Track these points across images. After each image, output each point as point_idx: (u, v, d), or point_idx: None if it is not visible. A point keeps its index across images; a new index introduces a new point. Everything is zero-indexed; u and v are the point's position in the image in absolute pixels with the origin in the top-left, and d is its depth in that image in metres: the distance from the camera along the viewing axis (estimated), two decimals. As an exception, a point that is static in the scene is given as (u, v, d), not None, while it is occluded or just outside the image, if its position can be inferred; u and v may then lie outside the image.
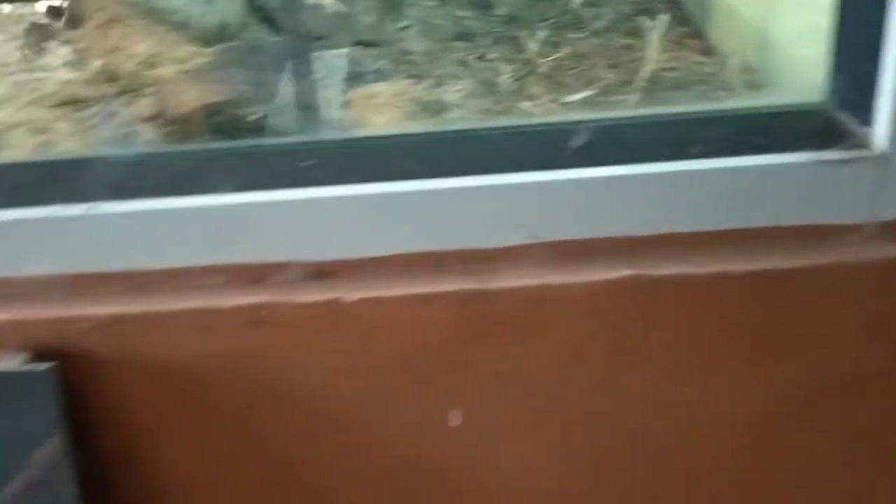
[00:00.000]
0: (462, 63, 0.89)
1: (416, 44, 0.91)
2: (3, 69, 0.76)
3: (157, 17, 0.77)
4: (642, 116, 0.59)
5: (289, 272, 0.53)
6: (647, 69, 0.85)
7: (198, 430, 0.55)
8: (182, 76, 0.70)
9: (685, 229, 0.53)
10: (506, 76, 0.88)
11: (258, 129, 0.61)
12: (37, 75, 0.75)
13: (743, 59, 0.96)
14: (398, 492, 0.58)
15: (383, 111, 0.74)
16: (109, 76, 0.73)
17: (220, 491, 0.57)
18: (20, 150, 0.64)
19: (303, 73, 0.75)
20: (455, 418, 0.56)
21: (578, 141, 0.54)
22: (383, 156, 0.55)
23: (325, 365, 0.54)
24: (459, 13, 1.00)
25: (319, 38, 0.86)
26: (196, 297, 0.52)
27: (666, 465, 0.58)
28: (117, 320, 0.52)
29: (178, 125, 0.63)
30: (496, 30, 0.98)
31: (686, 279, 0.53)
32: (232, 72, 0.69)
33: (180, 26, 0.78)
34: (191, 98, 0.64)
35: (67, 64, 0.77)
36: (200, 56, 0.75)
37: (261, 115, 0.60)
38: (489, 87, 0.87)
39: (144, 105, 0.67)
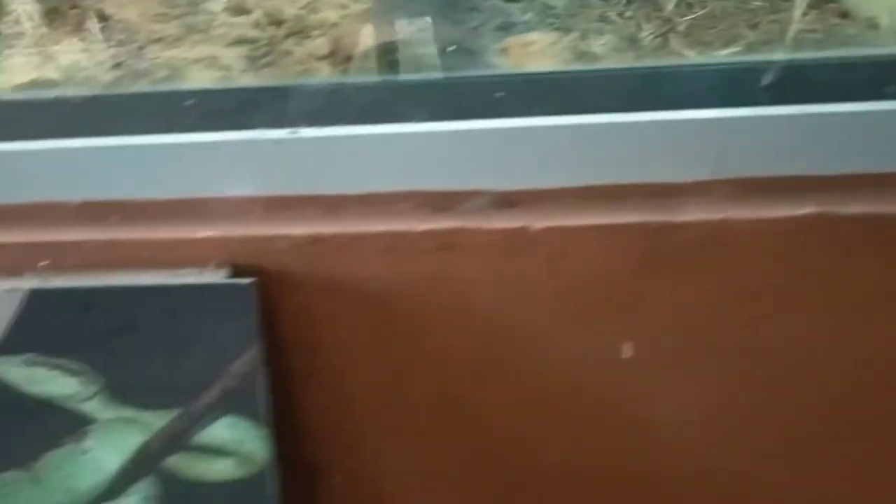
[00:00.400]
0: (603, 18, 0.90)
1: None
2: (170, 12, 0.79)
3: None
4: (831, 57, 0.59)
5: (477, 200, 0.55)
6: (793, 28, 0.84)
7: (379, 349, 0.57)
8: (348, 19, 0.72)
9: (874, 169, 0.54)
10: (646, 33, 0.89)
11: (432, 66, 0.63)
12: (202, 17, 0.78)
13: (886, 20, 0.94)
14: (563, 419, 0.60)
15: (539, 59, 0.75)
16: (273, 20, 0.76)
17: (395, 407, 0.59)
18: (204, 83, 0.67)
19: (458, 21, 0.77)
20: (627, 350, 0.58)
21: (767, 80, 0.54)
22: (570, 90, 0.56)
23: (505, 291, 0.56)
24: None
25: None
26: (387, 222, 0.55)
27: (836, 411, 0.58)
28: (313, 241, 0.54)
29: (354, 63, 0.66)
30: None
31: (873, 219, 0.53)
32: (394, 16, 0.71)
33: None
34: (364, 38, 0.66)
35: (228, 9, 0.80)
36: (361, 2, 0.77)
37: (435, 52, 0.62)
38: (631, 42, 0.88)
39: (317, 45, 0.69)
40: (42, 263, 0.55)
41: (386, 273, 0.55)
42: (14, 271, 0.55)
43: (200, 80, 0.65)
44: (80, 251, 0.55)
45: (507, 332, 0.57)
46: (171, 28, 0.75)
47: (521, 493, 0.64)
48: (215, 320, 0.54)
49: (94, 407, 0.56)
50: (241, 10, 0.76)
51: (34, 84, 0.69)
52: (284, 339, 0.57)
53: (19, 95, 0.66)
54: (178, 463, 0.56)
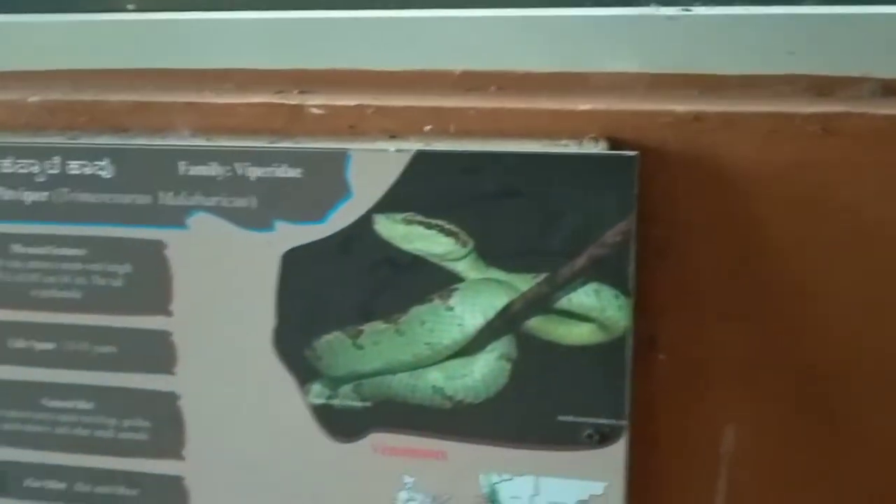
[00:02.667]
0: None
1: None
2: None
3: None
4: None
5: (859, 87, 0.55)
6: None
7: (735, 232, 0.58)
8: None
9: None
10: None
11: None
12: None
13: None
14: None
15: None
16: None
17: (735, 294, 0.60)
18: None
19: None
20: None
21: None
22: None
23: (877, 184, 0.57)
24: None
25: None
26: (769, 103, 0.56)
27: None
28: (696, 118, 0.56)
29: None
30: None
31: None
32: None
33: None
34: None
35: None
36: None
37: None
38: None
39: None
40: (427, 128, 0.59)
41: (762, 155, 0.56)
42: (401, 134, 0.59)
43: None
44: (462, 118, 0.59)
45: (866, 226, 0.57)
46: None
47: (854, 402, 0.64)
48: (594, 190, 0.56)
49: (464, 267, 0.59)
50: None
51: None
52: (647, 213, 0.59)
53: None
54: (538, 325, 0.59)
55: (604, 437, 0.61)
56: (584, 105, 0.56)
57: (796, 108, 0.54)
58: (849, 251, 0.59)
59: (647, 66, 0.56)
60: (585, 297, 0.59)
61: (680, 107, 0.55)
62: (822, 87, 0.55)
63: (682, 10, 0.55)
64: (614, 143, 0.57)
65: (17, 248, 0.64)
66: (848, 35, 0.55)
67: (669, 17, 0.55)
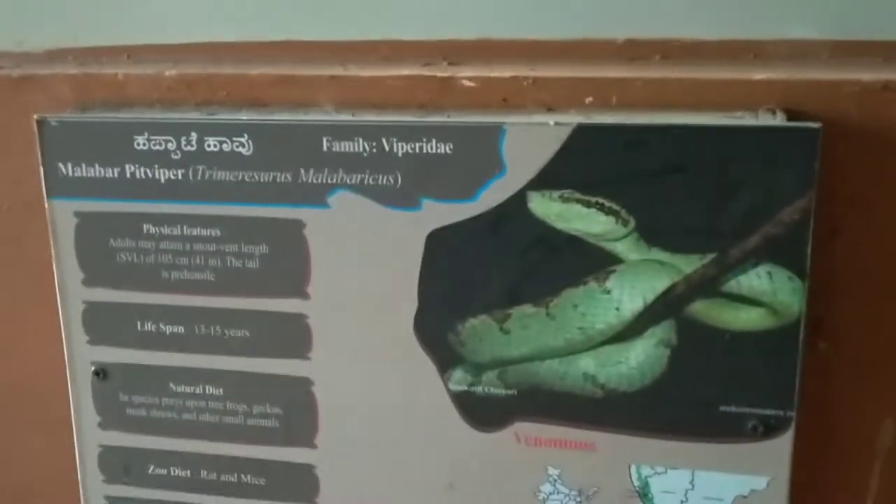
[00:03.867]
0: None
1: None
2: None
3: None
4: None
5: None
6: None
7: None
8: None
9: None
10: None
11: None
12: None
13: None
14: None
15: None
16: None
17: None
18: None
19: None
20: None
21: None
22: None
23: None
24: None
25: None
26: (965, 71, 0.52)
27: None
28: (886, 87, 0.52)
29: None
30: None
31: None
32: None
33: None
34: None
35: None
36: None
37: None
38: None
39: None
40: (588, 100, 0.56)
41: (955, 127, 0.53)
42: (559, 107, 0.57)
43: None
44: (625, 88, 0.56)
45: None
46: None
47: None
48: (771, 165, 0.53)
49: (624, 247, 0.56)
50: None
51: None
52: (823, 189, 0.55)
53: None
54: (702, 309, 0.56)
55: (769, 429, 0.57)
56: (759, 74, 0.54)
57: None
58: None
59: (829, 33, 0.53)
60: (757, 280, 0.55)
61: (867, 75, 0.53)
62: None
63: (871, -29, 0.52)
64: (792, 115, 0.53)
65: (149, 228, 0.63)
66: None
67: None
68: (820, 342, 0.60)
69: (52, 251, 0.64)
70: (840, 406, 0.61)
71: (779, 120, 0.53)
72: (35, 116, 0.61)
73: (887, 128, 0.53)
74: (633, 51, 0.56)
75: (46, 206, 0.63)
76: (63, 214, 0.63)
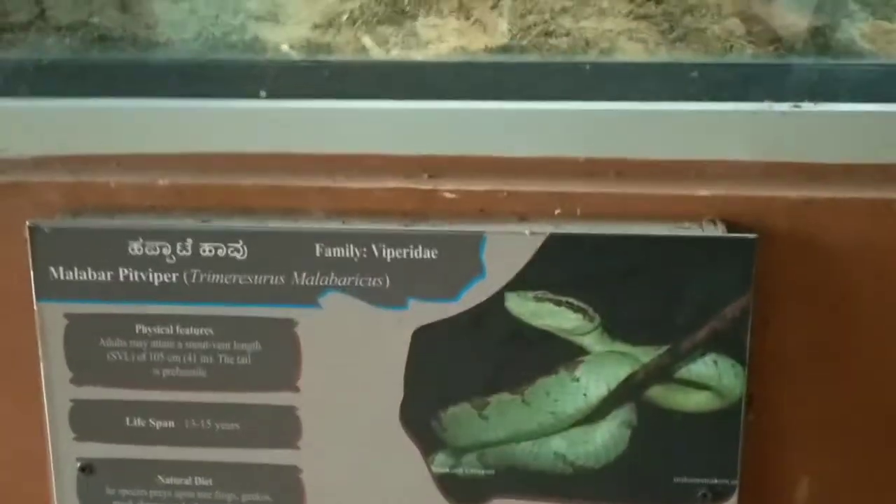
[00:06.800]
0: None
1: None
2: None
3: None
4: None
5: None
6: None
7: (833, 308, 0.63)
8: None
9: None
10: None
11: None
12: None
13: None
14: None
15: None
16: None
17: (831, 370, 0.65)
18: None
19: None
20: None
21: None
22: None
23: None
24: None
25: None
26: (869, 190, 0.61)
27: None
28: (807, 202, 0.61)
29: (781, 43, 0.71)
30: None
31: None
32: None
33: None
34: (790, 20, 0.72)
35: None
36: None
37: None
38: None
39: (732, 24, 0.75)
40: (556, 211, 0.62)
41: (863, 237, 0.62)
42: (531, 216, 0.63)
43: (631, 51, 0.71)
44: (588, 201, 0.62)
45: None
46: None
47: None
48: (716, 269, 0.61)
49: (590, 341, 0.63)
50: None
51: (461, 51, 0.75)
52: (758, 287, 0.62)
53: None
54: (658, 393, 0.63)
55: (717, 496, 0.65)
56: (702, 191, 0.62)
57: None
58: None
59: (761, 156, 0.62)
60: (704, 367, 0.63)
61: (793, 192, 0.61)
62: None
63: (793, 105, 0.61)
64: (731, 226, 0.62)
65: (141, 328, 0.65)
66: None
67: (782, 113, 0.61)
68: (750, 414, 0.69)
69: (40, 351, 0.65)
70: (770, 468, 0.70)
71: (720, 230, 0.62)
72: (27, 223, 0.63)
73: (811, 235, 0.62)
74: (593, 168, 0.63)
75: (35, 307, 0.65)
76: (52, 315, 0.65)
